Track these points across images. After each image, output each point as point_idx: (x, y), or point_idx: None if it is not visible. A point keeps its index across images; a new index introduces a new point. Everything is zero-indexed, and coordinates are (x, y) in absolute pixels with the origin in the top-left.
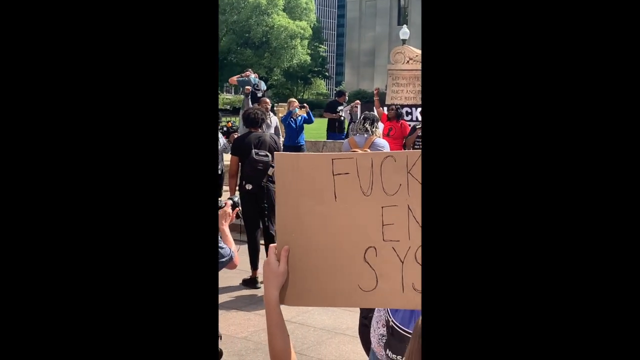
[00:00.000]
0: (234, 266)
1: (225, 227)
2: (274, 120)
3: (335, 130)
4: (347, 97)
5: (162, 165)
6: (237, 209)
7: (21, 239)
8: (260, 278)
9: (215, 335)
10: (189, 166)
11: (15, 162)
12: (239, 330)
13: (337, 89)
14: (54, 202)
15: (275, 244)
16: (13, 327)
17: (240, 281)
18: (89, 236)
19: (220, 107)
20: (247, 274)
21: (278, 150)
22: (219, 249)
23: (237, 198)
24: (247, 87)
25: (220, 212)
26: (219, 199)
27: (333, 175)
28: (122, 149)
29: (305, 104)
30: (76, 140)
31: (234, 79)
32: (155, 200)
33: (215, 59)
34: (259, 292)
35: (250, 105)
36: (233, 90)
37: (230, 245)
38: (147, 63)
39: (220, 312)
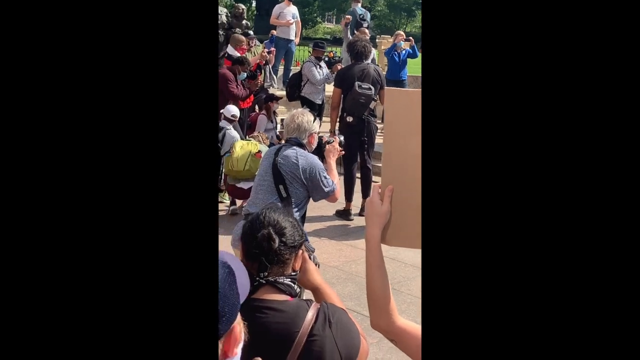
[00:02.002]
0: (334, 199)
1: (332, 161)
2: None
3: None
4: None
5: (161, 158)
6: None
7: (17, 234)
8: (353, 210)
9: (215, 335)
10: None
11: (14, 162)
12: (330, 259)
13: None
14: (52, 194)
15: (379, 183)
16: (12, 326)
17: (334, 212)
18: (86, 227)
19: (320, 36)
20: (342, 205)
21: (381, 84)
22: (324, 179)
23: (342, 137)
24: (347, 16)
25: (328, 147)
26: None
27: None
28: (119, 140)
29: (410, 37)
30: (76, 133)
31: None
32: (153, 196)
33: (214, 52)
34: (352, 223)
35: (349, 36)
36: (334, 19)
37: (334, 179)
38: (145, 53)
39: (313, 240)
